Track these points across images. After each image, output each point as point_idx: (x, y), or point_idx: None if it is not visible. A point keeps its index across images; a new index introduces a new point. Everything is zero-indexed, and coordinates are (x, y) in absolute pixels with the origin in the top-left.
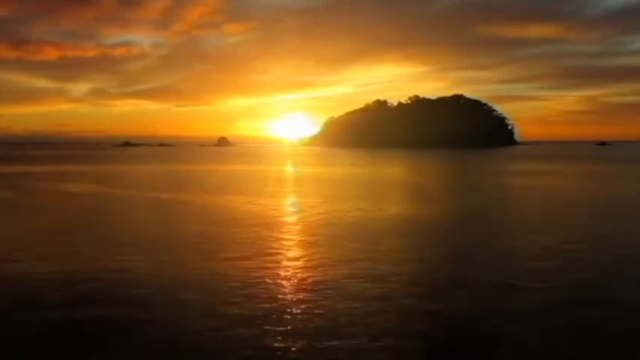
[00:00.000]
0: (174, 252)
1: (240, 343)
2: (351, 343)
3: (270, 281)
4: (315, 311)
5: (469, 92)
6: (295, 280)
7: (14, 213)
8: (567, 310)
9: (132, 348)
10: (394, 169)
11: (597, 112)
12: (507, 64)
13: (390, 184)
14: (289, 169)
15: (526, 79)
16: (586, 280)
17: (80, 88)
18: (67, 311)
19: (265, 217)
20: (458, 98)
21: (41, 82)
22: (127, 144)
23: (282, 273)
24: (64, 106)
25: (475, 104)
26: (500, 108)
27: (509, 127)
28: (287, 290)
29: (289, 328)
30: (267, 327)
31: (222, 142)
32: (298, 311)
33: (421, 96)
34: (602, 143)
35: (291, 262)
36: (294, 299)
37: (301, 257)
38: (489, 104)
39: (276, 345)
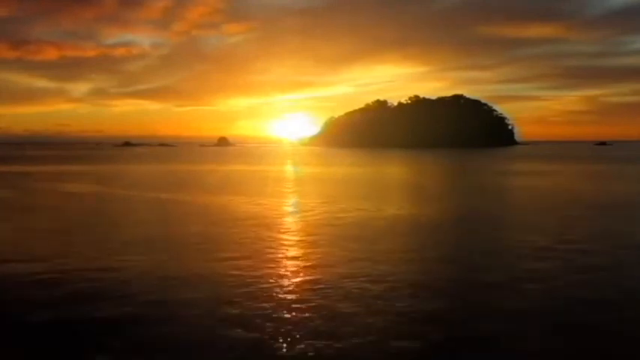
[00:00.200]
0: (174, 252)
1: (240, 342)
2: (351, 343)
3: (269, 281)
4: (315, 311)
5: (469, 92)
6: (295, 280)
7: (14, 213)
8: (567, 311)
9: (131, 348)
10: (394, 169)
11: (597, 112)
12: (507, 64)
13: (390, 184)
14: (289, 169)
15: (526, 79)
16: (586, 280)
17: (80, 88)
18: (67, 311)
19: (265, 217)
20: (458, 98)
21: (41, 82)
22: (127, 144)
23: (282, 273)
24: (64, 106)
25: (475, 104)
26: (500, 108)
27: (509, 127)
28: (287, 290)
29: (289, 327)
30: (267, 327)
31: (222, 142)
32: (298, 311)
33: (421, 96)
34: (602, 143)
35: (290, 262)
36: (294, 299)
37: (301, 257)
38: (489, 104)
39: (275, 345)
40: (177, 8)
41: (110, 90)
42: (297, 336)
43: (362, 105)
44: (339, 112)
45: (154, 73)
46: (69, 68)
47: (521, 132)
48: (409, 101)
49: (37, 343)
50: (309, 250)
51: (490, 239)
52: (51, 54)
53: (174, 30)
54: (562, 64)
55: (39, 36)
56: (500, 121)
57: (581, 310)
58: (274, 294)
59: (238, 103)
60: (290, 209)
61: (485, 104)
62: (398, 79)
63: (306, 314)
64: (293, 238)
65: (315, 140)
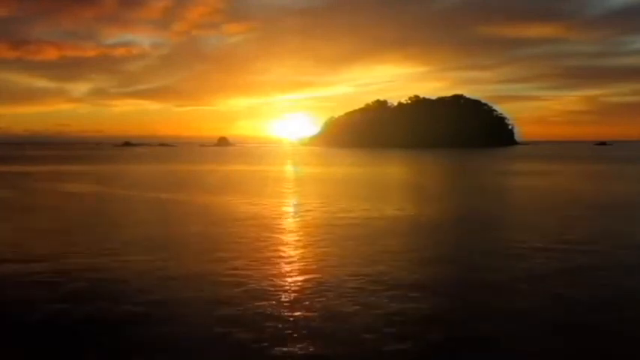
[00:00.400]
0: (174, 252)
1: (239, 342)
2: (350, 343)
3: (269, 281)
4: (314, 311)
5: (469, 92)
6: (294, 280)
7: (14, 213)
8: (567, 311)
9: (131, 348)
10: (394, 169)
11: (597, 112)
12: (507, 64)
13: (391, 184)
14: (289, 169)
15: (526, 79)
16: (587, 280)
17: (80, 88)
18: (67, 310)
19: (265, 217)
20: (458, 98)
21: (41, 82)
22: (127, 144)
23: (281, 273)
24: (64, 106)
25: (475, 104)
26: (500, 108)
27: (509, 127)
28: (286, 290)
29: (288, 327)
30: (266, 326)
31: (222, 142)
32: (297, 311)
33: (421, 96)
34: (602, 143)
35: (290, 262)
36: (293, 299)
37: (300, 257)
38: (489, 104)
39: (275, 344)
40: (177, 8)
41: (110, 90)
42: (296, 336)
43: (362, 105)
44: (339, 112)
45: (154, 73)
46: (69, 68)
47: (521, 132)
48: (409, 101)
49: (37, 343)
50: (308, 250)
51: (490, 239)
52: (51, 54)
53: (174, 30)
54: (562, 64)
55: (39, 36)
56: (500, 121)
57: (581, 310)
58: (274, 294)
59: (238, 103)
60: (290, 209)
61: (485, 104)
62: (398, 79)
63: (305, 314)
64: (293, 238)
65: (315, 140)
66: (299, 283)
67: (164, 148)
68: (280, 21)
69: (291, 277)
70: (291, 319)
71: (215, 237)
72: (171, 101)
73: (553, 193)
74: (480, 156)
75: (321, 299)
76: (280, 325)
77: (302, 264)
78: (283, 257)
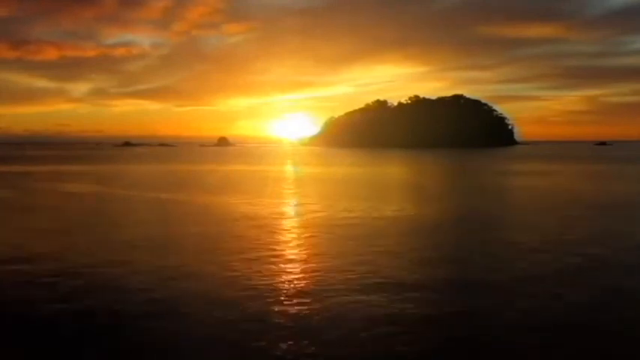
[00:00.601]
0: (174, 252)
1: (239, 342)
2: (350, 343)
3: (268, 281)
4: (313, 311)
5: (469, 92)
6: (293, 280)
7: (14, 213)
8: (567, 311)
9: (130, 348)
10: (394, 169)
11: (597, 112)
12: (507, 64)
13: (391, 184)
14: (289, 169)
15: (526, 79)
16: (587, 280)
17: (80, 88)
18: (67, 310)
19: (265, 217)
20: (458, 98)
21: (41, 82)
22: (127, 144)
23: (281, 273)
24: (64, 106)
25: (475, 104)
26: (500, 108)
27: (509, 127)
28: (285, 290)
29: (288, 327)
30: (266, 325)
31: (222, 142)
32: (296, 311)
33: (421, 96)
34: (602, 143)
35: (289, 262)
36: (293, 299)
37: (300, 257)
38: (489, 104)
39: (274, 344)
40: (177, 8)
41: (110, 90)
42: (296, 336)
43: (362, 105)
44: (339, 112)
45: (154, 73)
46: (69, 68)
47: (521, 132)
48: (409, 101)
49: (37, 343)
50: (308, 250)
51: (490, 239)
52: (51, 54)
53: (174, 30)
54: (562, 64)
55: (39, 36)
56: (500, 121)
57: (581, 310)
58: (273, 293)
59: (238, 103)
60: (290, 209)
61: (485, 104)
62: (398, 79)
63: (305, 314)
64: (293, 238)
65: (315, 140)
66: (298, 283)
67: (164, 148)
68: (280, 21)
69: (290, 277)
70: (291, 319)
71: (215, 237)
72: (171, 101)
73: (553, 193)
74: (480, 156)
75: (320, 299)
76: (280, 325)
77: (302, 264)
78: (283, 257)
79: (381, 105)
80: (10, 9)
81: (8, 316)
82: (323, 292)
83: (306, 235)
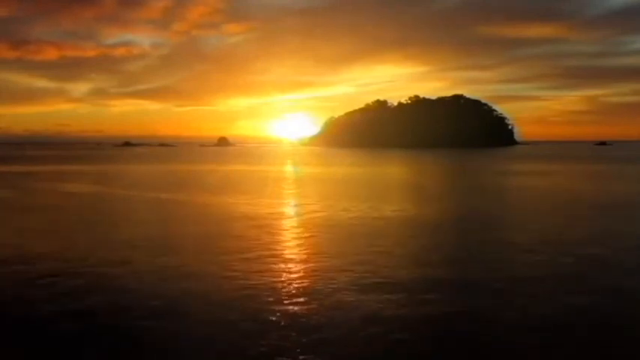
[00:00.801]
0: (174, 251)
1: (239, 341)
2: (349, 344)
3: (268, 280)
4: (312, 311)
5: (469, 92)
6: (293, 280)
7: (14, 213)
8: (567, 312)
9: (130, 347)
10: (394, 169)
11: (597, 112)
12: (507, 64)
13: (391, 184)
14: (289, 169)
15: (526, 79)
16: (587, 281)
17: (80, 88)
18: (67, 310)
19: (265, 217)
20: (458, 98)
21: (41, 82)
22: (127, 144)
23: (280, 273)
24: (64, 106)
25: (475, 104)
26: (500, 108)
27: (509, 127)
28: (284, 290)
29: (288, 327)
30: (265, 326)
31: (222, 142)
32: (295, 311)
33: (421, 96)
34: (602, 143)
35: (289, 263)
36: (291, 299)
37: (300, 257)
38: (489, 104)
39: (274, 344)
40: (177, 8)
41: (110, 90)
42: (295, 335)
43: (362, 105)
44: (339, 112)
45: (154, 73)
46: (69, 68)
47: (521, 132)
48: (409, 101)
49: (37, 343)
50: (308, 250)
51: (490, 240)
52: (51, 54)
53: (174, 30)
54: (562, 64)
55: (39, 36)
56: (500, 121)
57: (581, 310)
58: (272, 293)
59: (238, 103)
60: (290, 210)
61: (485, 104)
62: (398, 79)
63: (304, 314)
64: (292, 238)
65: (315, 140)
66: (298, 283)
67: (164, 148)
68: (280, 21)
69: (290, 277)
70: (291, 318)
71: (215, 237)
72: (171, 101)
73: (553, 193)
74: (480, 156)
75: (320, 299)
76: (280, 325)
77: (301, 264)
78: (283, 257)
79: (381, 105)
80: (10, 9)
81: (8, 316)
82: (323, 292)
83: (306, 235)
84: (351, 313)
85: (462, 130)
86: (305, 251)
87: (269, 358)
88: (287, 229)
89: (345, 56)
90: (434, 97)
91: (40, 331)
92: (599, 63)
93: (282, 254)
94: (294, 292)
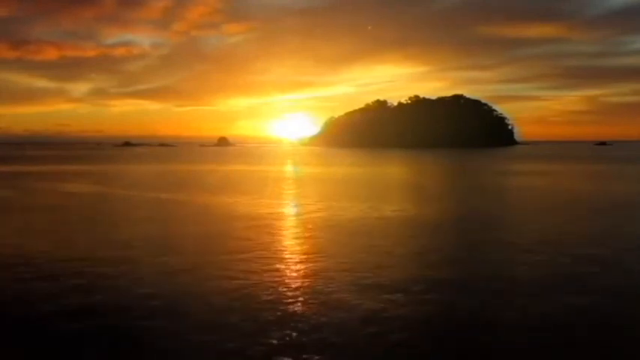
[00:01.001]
0: (174, 251)
1: (239, 341)
2: (349, 345)
3: (268, 281)
4: (313, 311)
5: (469, 92)
6: (292, 280)
7: (14, 213)
8: (567, 312)
9: (130, 347)
10: (394, 169)
11: (597, 112)
12: (507, 64)
13: (391, 184)
14: (289, 169)
15: (526, 79)
16: (587, 281)
17: (80, 88)
18: (67, 310)
19: (265, 217)
20: (458, 98)
21: (41, 82)
22: (127, 144)
23: (281, 273)
24: (64, 106)
25: (475, 104)
26: (500, 108)
27: (509, 127)
28: (285, 290)
29: (288, 327)
30: (265, 325)
31: (222, 142)
32: (295, 311)
33: (421, 96)
34: (602, 143)
35: (288, 262)
36: (292, 299)
37: (299, 257)
38: (489, 104)
39: (274, 344)
40: (177, 8)
41: (110, 90)
42: (295, 335)
43: (362, 105)
44: (339, 112)
45: (154, 73)
46: (69, 68)
47: (521, 132)
48: (409, 101)
49: (37, 343)
50: (307, 250)
51: (490, 240)
52: (51, 54)
53: (174, 30)
54: (562, 64)
55: (39, 36)
56: (500, 121)
57: (581, 310)
58: (273, 293)
59: (238, 103)
60: (290, 210)
61: (485, 104)
62: (398, 79)
63: (303, 314)
64: (292, 238)
65: (315, 140)
66: (298, 283)
67: (164, 148)
68: (280, 21)
69: (290, 277)
70: (290, 318)
71: (215, 237)
72: (171, 101)
73: (553, 193)
74: (480, 156)
75: (320, 299)
76: (280, 325)
77: (301, 264)
78: (283, 257)
79: (381, 105)
80: (10, 9)
81: (8, 316)
82: (323, 292)
83: (306, 235)
84: (351, 313)
85: (462, 130)
86: (305, 251)
87: (269, 358)
88: (287, 229)
89: (345, 56)
90: (434, 97)
91: (40, 331)
92: (599, 63)
93: (282, 254)
94: (294, 292)
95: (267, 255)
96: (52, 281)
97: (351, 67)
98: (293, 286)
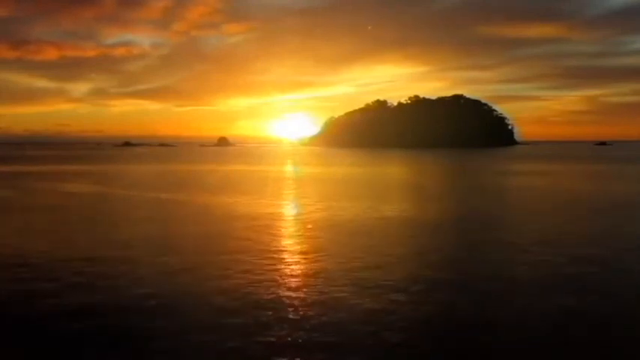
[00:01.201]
0: (174, 251)
1: (238, 340)
2: (349, 346)
3: (268, 281)
4: (312, 310)
5: (469, 92)
6: (293, 281)
7: (14, 213)
8: (567, 312)
9: (130, 347)
10: (394, 169)
11: (597, 112)
12: (507, 64)
13: (391, 184)
14: (289, 169)
15: (526, 79)
16: (587, 281)
17: (80, 88)
18: (67, 310)
19: (265, 217)
20: (458, 98)
21: (41, 82)
22: (127, 144)
23: (280, 273)
24: (64, 106)
25: (475, 104)
26: (500, 108)
27: (509, 127)
28: (285, 290)
29: (287, 327)
30: (265, 325)
31: (222, 142)
32: (295, 311)
33: (421, 96)
34: (602, 143)
35: (289, 263)
36: (292, 299)
37: (299, 257)
38: (489, 104)
39: (274, 344)
40: (177, 8)
41: (110, 90)
42: (295, 335)
43: (362, 105)
44: (339, 112)
45: (154, 73)
46: (69, 68)
47: (521, 132)
48: (409, 101)
49: (37, 343)
50: (307, 250)
51: (490, 240)
52: (51, 54)
53: (174, 30)
54: (562, 64)
55: (39, 36)
56: (500, 121)
57: (581, 310)
58: (272, 293)
59: (238, 103)
60: (290, 210)
61: (485, 104)
62: (398, 79)
63: (303, 314)
64: (292, 238)
65: (315, 140)
66: (297, 283)
67: (164, 148)
68: (280, 21)
69: (289, 277)
70: (290, 318)
71: (215, 237)
72: (171, 101)
73: (553, 193)
74: (480, 156)
75: (320, 299)
76: (279, 325)
77: (301, 264)
78: (282, 257)
79: (381, 105)
80: (10, 9)
81: (8, 316)
82: (323, 291)
83: (306, 235)
84: (351, 313)
85: (462, 130)
86: (305, 251)
87: (269, 358)
88: (287, 229)
89: (345, 56)
90: (434, 97)
91: (40, 331)
92: (599, 63)
93: (282, 254)
94: (294, 292)
95: (267, 255)
96: (52, 281)
97: (351, 67)
98: (293, 286)
